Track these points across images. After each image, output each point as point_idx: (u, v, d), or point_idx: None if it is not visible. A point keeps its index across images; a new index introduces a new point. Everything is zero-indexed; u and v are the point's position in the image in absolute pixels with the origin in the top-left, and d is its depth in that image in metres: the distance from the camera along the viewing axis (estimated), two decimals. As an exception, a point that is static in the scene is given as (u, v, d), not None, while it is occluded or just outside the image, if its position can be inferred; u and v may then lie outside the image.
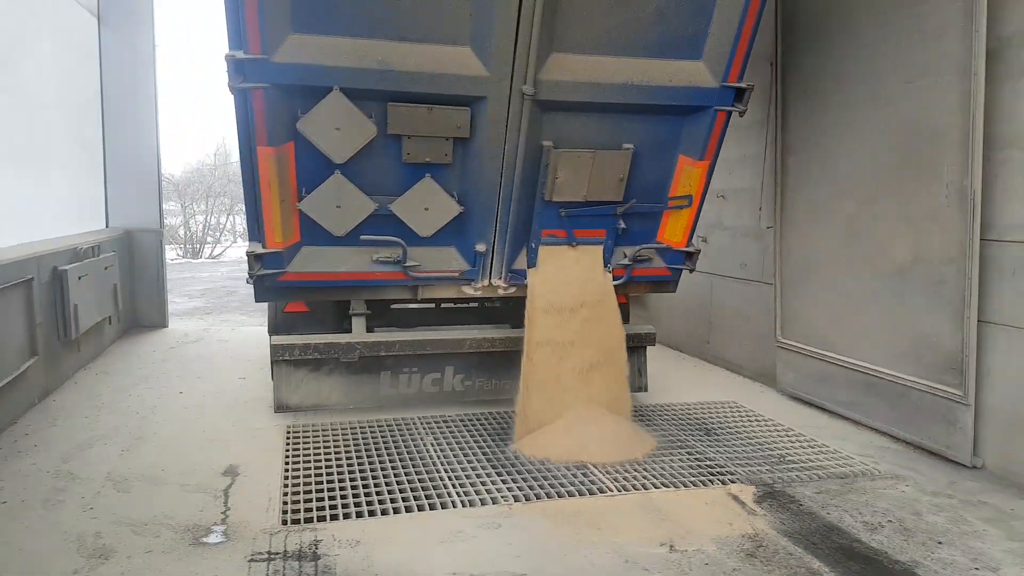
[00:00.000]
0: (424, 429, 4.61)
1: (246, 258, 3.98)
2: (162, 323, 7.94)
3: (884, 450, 4.46)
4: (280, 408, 4.69)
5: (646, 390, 5.39)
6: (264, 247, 3.98)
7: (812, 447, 4.48)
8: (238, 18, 3.33)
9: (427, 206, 4.19)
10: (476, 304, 5.48)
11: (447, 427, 4.67)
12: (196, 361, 6.37)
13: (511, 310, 5.35)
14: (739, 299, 6.36)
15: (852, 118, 4.80)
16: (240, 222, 29.55)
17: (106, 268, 6.32)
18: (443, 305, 5.48)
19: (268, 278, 4.11)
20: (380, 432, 4.53)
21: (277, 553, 2.98)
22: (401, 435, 4.49)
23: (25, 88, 5.57)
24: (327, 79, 3.60)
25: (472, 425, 4.73)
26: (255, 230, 3.95)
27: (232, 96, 3.51)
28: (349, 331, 4.87)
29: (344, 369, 4.79)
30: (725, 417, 5.08)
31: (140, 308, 7.74)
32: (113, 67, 7.46)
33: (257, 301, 4.39)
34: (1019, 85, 3.83)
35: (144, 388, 5.42)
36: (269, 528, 3.19)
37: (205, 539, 3.08)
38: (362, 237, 4.15)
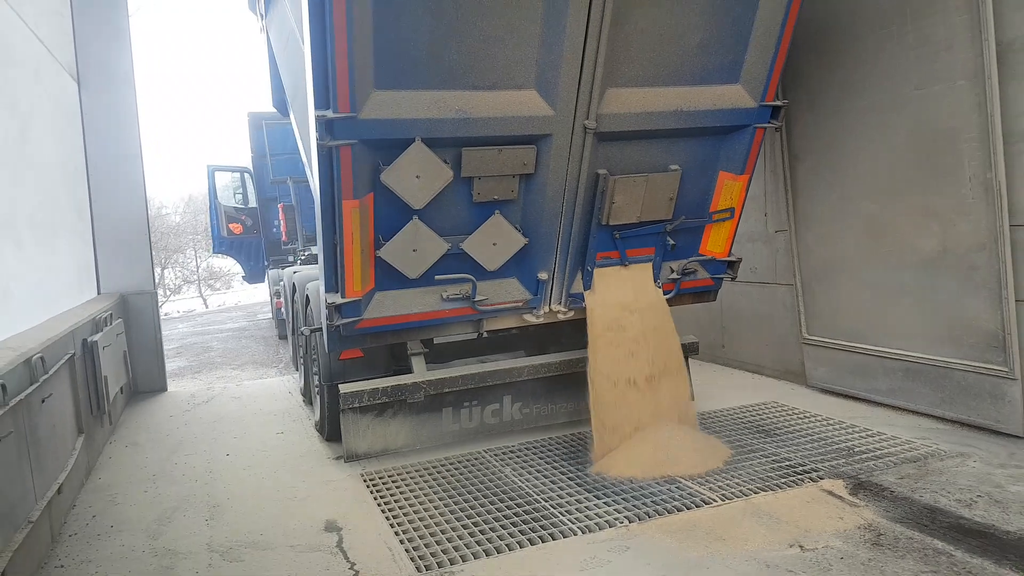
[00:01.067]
0: (497, 461, 4.61)
1: (325, 307, 3.94)
2: (162, 387, 7.63)
3: (937, 431, 4.72)
4: (351, 457, 4.61)
5: (693, 399, 5.53)
6: (343, 297, 3.94)
7: (871, 436, 4.70)
8: (327, 79, 3.35)
9: (495, 241, 4.24)
10: (516, 330, 5.52)
11: (518, 456, 4.68)
12: (221, 422, 6.15)
13: (549, 333, 5.42)
14: (753, 302, 6.62)
15: (864, 123, 5.13)
16: (170, 275, 28.82)
17: (117, 335, 6.06)
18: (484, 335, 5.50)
19: (346, 327, 4.06)
20: (456, 469, 4.50)
21: (433, 602, 2.93)
22: (478, 469, 4.47)
23: (32, 156, 5.34)
24: (410, 131, 3.66)
25: (541, 451, 4.75)
26: (333, 281, 3.91)
27: (316, 154, 3.50)
28: (402, 372, 4.84)
29: (407, 410, 4.75)
30: (775, 417, 5.27)
31: (139, 373, 7.43)
32: (97, 130, 7.22)
33: (330, 351, 4.32)
34: (1027, 83, 4.20)
35: (186, 455, 5.21)
36: (410, 578, 3.14)
37: (351, 599, 3.01)
38: (436, 277, 4.17)
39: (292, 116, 5.70)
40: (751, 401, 5.69)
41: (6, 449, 2.98)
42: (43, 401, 3.62)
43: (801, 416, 5.25)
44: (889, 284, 5.13)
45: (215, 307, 25.89)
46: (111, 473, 4.87)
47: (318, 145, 3.48)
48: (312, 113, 3.51)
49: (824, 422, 5.07)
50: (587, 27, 3.71)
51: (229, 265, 35.92)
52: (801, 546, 3.28)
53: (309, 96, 3.58)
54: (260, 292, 27.96)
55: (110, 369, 5.36)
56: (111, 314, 5.93)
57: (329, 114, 3.43)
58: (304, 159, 4.97)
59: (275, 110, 7.76)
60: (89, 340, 4.98)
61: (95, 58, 7.28)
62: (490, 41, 3.68)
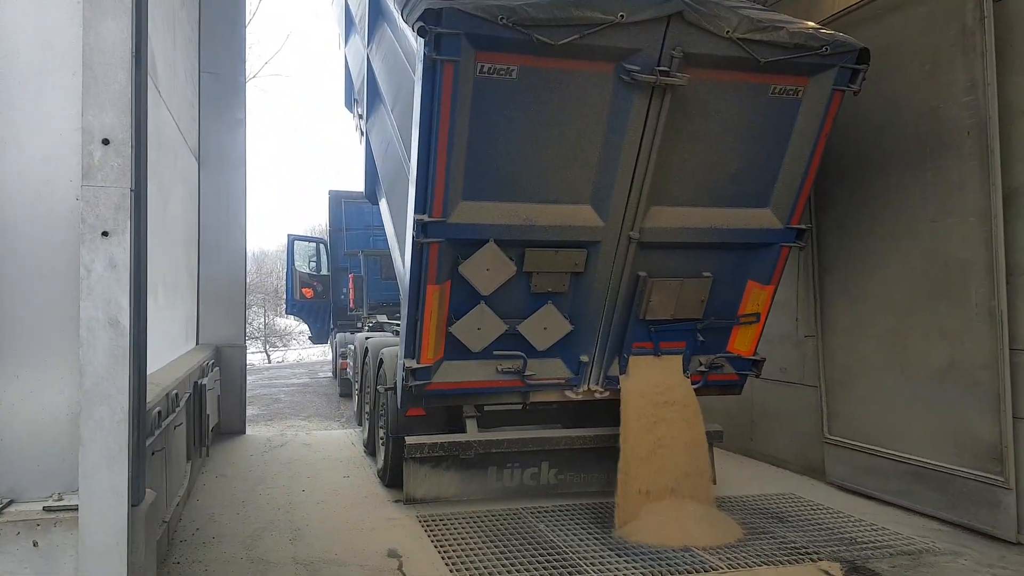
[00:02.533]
0: (533, 517, 5.23)
1: (403, 369, 4.78)
2: (242, 429, 8.54)
3: (937, 532, 5.13)
4: (409, 500, 5.33)
5: (715, 483, 6.05)
6: (418, 363, 4.77)
7: (874, 530, 5.15)
8: (427, 191, 4.29)
9: (546, 326, 5.03)
10: (556, 406, 6.19)
11: (551, 515, 5.28)
12: (294, 463, 6.96)
13: (587, 410, 6.07)
14: (781, 400, 7.15)
15: (885, 246, 5.78)
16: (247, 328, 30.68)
17: (215, 381, 7.02)
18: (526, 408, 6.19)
19: (418, 388, 4.87)
20: (497, 519, 5.14)
21: (474, 620, 3.58)
22: (517, 521, 5.10)
23: (168, 225, 6.47)
24: (485, 233, 4.56)
25: (571, 513, 5.34)
26: (411, 348, 4.75)
27: (410, 247, 4.43)
28: (457, 432, 5.56)
29: (459, 465, 5.45)
30: (790, 506, 5.74)
31: (224, 415, 8.35)
32: (211, 204, 8.44)
33: (401, 407, 5.13)
34: (1025, 224, 4.83)
35: (267, 488, 6.01)
36: (457, 600, 3.80)
37: (408, 610, 3.68)
38: (494, 352, 4.96)
39: (385, 206, 6.71)
40: (770, 491, 6.17)
41: (157, 461, 3.84)
42: (175, 428, 4.50)
43: (814, 508, 5.70)
44: (903, 392, 5.65)
45: (276, 362, 27.24)
46: (206, 497, 5.70)
47: (413, 242, 4.39)
48: (411, 216, 4.44)
49: (835, 514, 5.52)
50: (637, 155, 4.56)
51: (292, 325, 37.69)
52: (791, 611, 3.80)
53: (410, 200, 4.52)
54: (316, 351, 29.28)
55: (211, 409, 6.28)
56: (212, 362, 6.90)
57: (425, 218, 4.36)
58: (393, 245, 5.90)
59: (356, 191, 8.88)
60: (199, 383, 5.92)
61: (214, 142, 8.57)
62: (556, 165, 4.58)
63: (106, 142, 1.72)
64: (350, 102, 8.93)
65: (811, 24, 4.76)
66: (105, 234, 1.73)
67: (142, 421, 1.89)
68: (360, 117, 8.03)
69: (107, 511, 1.75)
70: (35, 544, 1.75)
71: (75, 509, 1.79)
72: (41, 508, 1.83)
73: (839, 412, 6.30)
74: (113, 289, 1.73)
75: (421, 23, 3.88)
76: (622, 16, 4.06)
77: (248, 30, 9.02)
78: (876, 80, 5.44)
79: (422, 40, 3.92)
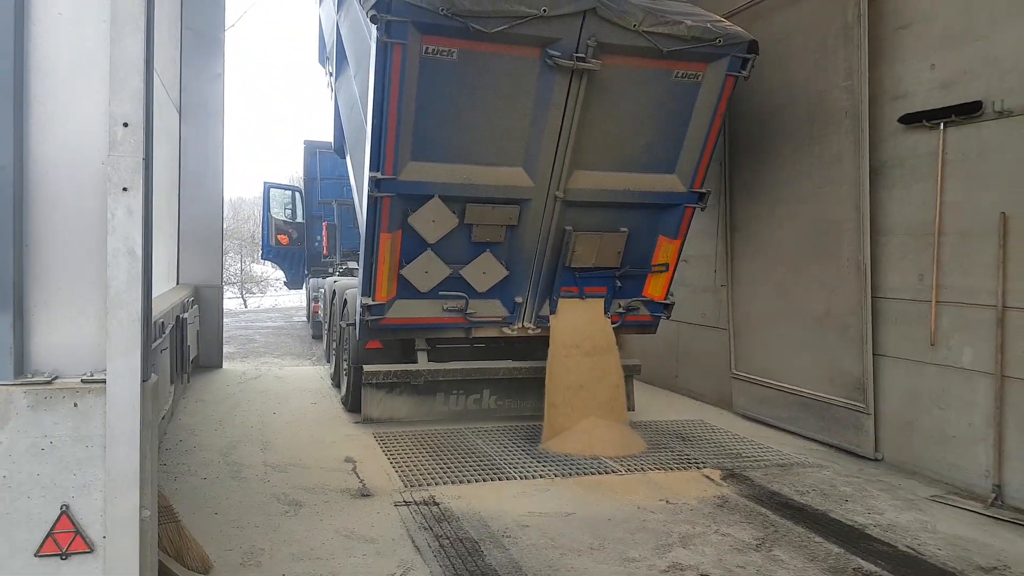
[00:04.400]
0: (472, 435, 6.14)
1: (360, 306, 5.59)
2: (219, 364, 9.34)
3: (813, 451, 6.12)
4: (366, 420, 6.19)
5: (633, 410, 7.00)
6: (373, 300, 5.58)
7: (759, 447, 6.13)
8: (380, 151, 5.02)
9: (484, 271, 5.85)
10: (503, 342, 7.05)
11: (489, 434, 6.19)
12: (268, 393, 7.80)
13: (525, 345, 6.93)
14: (701, 342, 8.09)
15: (780, 209, 6.65)
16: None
17: (195, 317, 7.76)
18: (475, 345, 7.05)
19: (373, 322, 5.68)
20: (442, 437, 6.04)
21: (409, 502, 4.49)
22: (458, 438, 6.01)
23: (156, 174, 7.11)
24: (430, 190, 5.33)
25: (506, 432, 6.26)
26: (367, 287, 5.55)
27: (366, 200, 5.17)
28: (414, 362, 6.41)
29: (411, 391, 6.32)
30: (694, 429, 6.71)
31: (203, 350, 9.13)
32: (190, 152, 9.04)
33: (360, 340, 5.95)
34: (892, 193, 5.69)
35: (242, 412, 6.85)
36: (397, 489, 4.71)
37: (359, 496, 4.57)
38: (440, 293, 5.78)
39: (349, 161, 7.41)
40: (682, 417, 7.14)
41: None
42: (161, 351, 5.28)
43: (714, 431, 6.68)
44: (792, 335, 6.59)
45: (252, 307, 27.87)
46: (188, 417, 6.52)
47: (368, 196, 5.13)
48: (367, 172, 5.17)
49: (731, 436, 6.50)
50: (560, 127, 5.33)
51: (268, 271, 38.16)
52: (667, 501, 4.76)
53: (366, 158, 5.24)
54: (292, 298, 29.90)
55: (191, 341, 7.04)
56: (192, 299, 7.64)
57: (378, 175, 5.10)
58: (355, 196, 6.63)
59: (329, 142, 9.52)
60: (180, 316, 6.67)
61: (195, 95, 9.13)
62: (492, 133, 5.33)
63: (125, 124, 2.47)
64: (323, 59, 9.50)
65: (713, 16, 5.49)
66: (124, 189, 2.48)
67: (149, 323, 2.68)
68: (330, 75, 8.64)
69: (126, 383, 2.54)
70: (75, 405, 2.55)
71: (103, 382, 2.58)
72: (79, 380, 2.62)
73: (743, 352, 7.26)
74: (130, 228, 2.49)
75: (374, 12, 4.57)
76: (544, 10, 4.79)
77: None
78: (775, 64, 6.25)
79: (374, 26, 4.61)
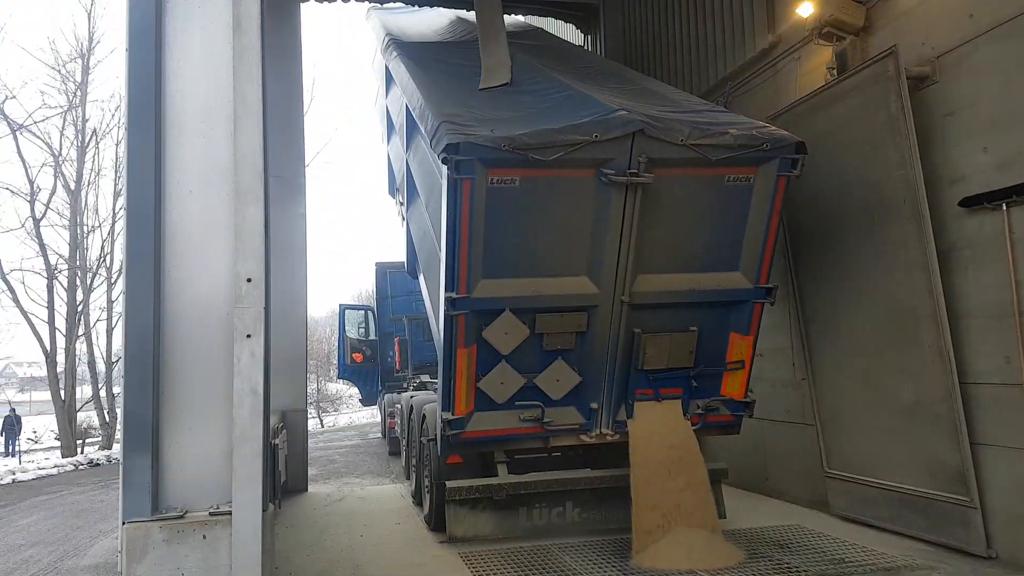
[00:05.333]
0: (559, 551, 6.05)
1: (440, 421, 5.78)
2: (304, 487, 9.56)
3: (920, 551, 5.76)
4: (451, 539, 6.22)
5: (724, 517, 6.77)
6: (453, 414, 5.77)
7: (864, 551, 5.80)
8: (454, 272, 5.36)
9: (558, 378, 5.99)
10: (582, 451, 7.05)
11: (575, 549, 6.08)
12: (353, 515, 7.93)
13: (608, 453, 6.90)
14: (788, 440, 7.86)
15: (853, 298, 6.61)
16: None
17: (284, 443, 8.09)
18: (553, 454, 7.07)
19: (453, 436, 5.85)
20: (527, 553, 5.97)
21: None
22: (544, 555, 5.93)
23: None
24: (502, 304, 5.61)
25: (593, 547, 6.11)
26: (447, 403, 5.76)
27: (443, 320, 5.48)
28: (495, 475, 6.46)
29: (493, 506, 6.33)
30: (791, 535, 6.41)
31: (290, 474, 9.39)
32: (276, 286, 9.65)
33: (441, 454, 6.09)
34: (965, 276, 5.64)
35: (330, 535, 6.98)
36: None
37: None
38: (516, 403, 5.93)
39: (422, 281, 7.85)
40: (776, 523, 6.85)
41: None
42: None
43: (814, 536, 6.37)
44: (882, 426, 6.38)
45: (328, 426, 28.42)
46: (280, 543, 6.63)
47: (444, 316, 5.44)
48: (443, 292, 5.50)
49: (832, 540, 6.18)
50: (620, 236, 5.58)
51: (342, 389, 39.10)
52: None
53: (441, 280, 5.59)
54: (365, 414, 30.36)
55: (281, 467, 7.32)
56: (281, 425, 8.00)
57: (454, 295, 5.43)
58: (430, 314, 6.96)
59: (399, 260, 10.09)
60: (273, 443, 6.98)
61: (279, 235, 9.85)
62: (557, 246, 5.63)
63: (249, 280, 2.83)
64: (393, 191, 10.25)
65: (757, 122, 5.78)
66: (248, 336, 2.81)
67: (267, 455, 2.93)
68: (401, 204, 9.30)
69: (250, 514, 2.77)
70: (204, 537, 2.78)
71: (229, 514, 2.82)
72: (207, 513, 2.86)
73: (834, 447, 7.02)
74: (253, 371, 2.80)
75: (444, 154, 5.04)
76: (596, 136, 5.18)
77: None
78: (826, 157, 6.44)
79: (444, 165, 5.07)
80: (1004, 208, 5.24)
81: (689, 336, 6.10)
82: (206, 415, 2.88)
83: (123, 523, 2.70)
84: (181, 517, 2.75)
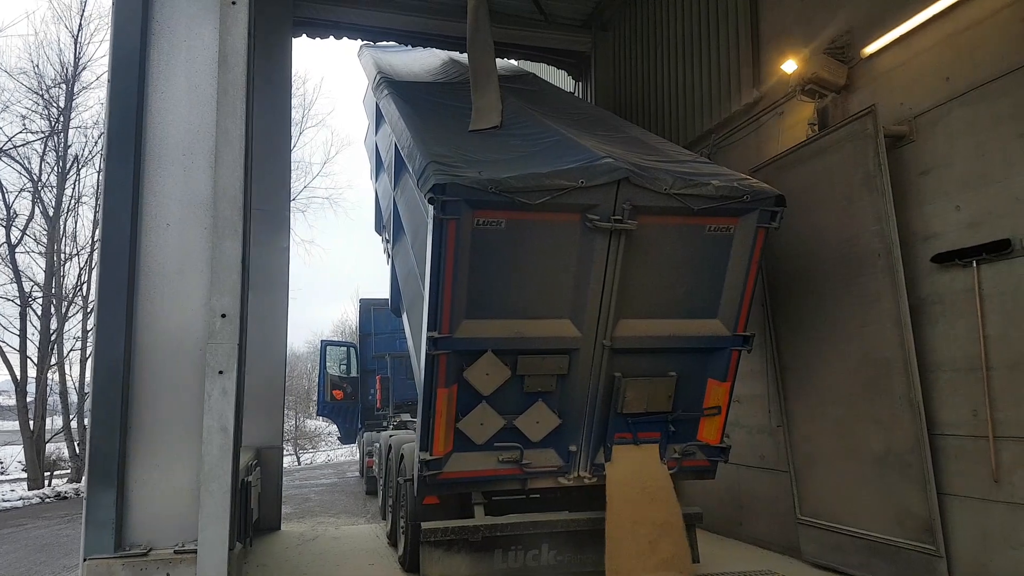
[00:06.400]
0: (534, 595, 5.99)
1: (418, 461, 5.72)
2: (277, 526, 9.39)
3: (891, 600, 5.78)
4: (426, 581, 6.12)
5: (698, 562, 6.74)
6: (431, 455, 5.73)
7: (834, 599, 5.82)
8: (437, 312, 5.39)
9: (538, 420, 5.98)
10: (559, 493, 7.00)
11: (551, 593, 6.03)
12: (327, 555, 7.79)
13: (585, 495, 6.86)
14: (763, 486, 7.88)
15: (828, 348, 6.72)
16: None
17: (257, 480, 7.98)
18: (531, 496, 7.01)
19: (431, 477, 5.80)
20: (502, 598, 5.91)
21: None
22: (519, 599, 5.86)
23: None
24: (484, 345, 5.63)
25: (569, 591, 6.09)
26: (426, 443, 5.72)
27: (424, 359, 5.49)
28: (471, 517, 6.39)
29: (469, 548, 6.25)
30: (765, 582, 6.42)
31: (262, 512, 9.23)
32: (257, 319, 9.60)
33: (418, 495, 6.03)
34: (935, 330, 5.76)
35: (303, 575, 6.84)
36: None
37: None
38: (495, 444, 5.91)
39: (405, 319, 7.85)
40: (749, 568, 6.84)
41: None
42: (229, 514, 5.47)
43: (786, 583, 6.38)
44: (854, 475, 6.43)
45: (306, 463, 27.95)
46: (249, 581, 6.55)
47: (426, 355, 5.45)
48: (425, 332, 5.52)
49: (803, 588, 6.19)
50: (603, 281, 5.65)
51: (321, 426, 38.54)
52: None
53: (424, 319, 5.61)
54: (344, 452, 29.89)
55: (254, 504, 7.21)
56: (255, 462, 7.89)
57: (436, 334, 5.44)
58: (412, 353, 6.95)
59: (384, 298, 10.08)
60: (245, 480, 6.89)
61: (262, 267, 9.86)
62: (540, 288, 5.68)
63: (223, 316, 2.86)
64: (379, 227, 10.31)
65: (739, 175, 5.93)
66: (220, 372, 2.83)
67: (237, 493, 2.92)
68: (387, 242, 9.36)
69: (215, 552, 2.74)
70: (167, 575, 2.75)
71: (194, 552, 2.80)
72: (172, 551, 2.84)
73: (806, 494, 7.05)
74: (224, 407, 2.81)
75: (431, 194, 5.12)
76: (582, 182, 5.28)
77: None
78: (805, 210, 6.59)
79: (431, 205, 5.14)
80: (974, 265, 5.39)
81: (668, 381, 6.15)
82: (175, 451, 2.87)
83: (84, 559, 2.67)
84: (145, 555, 2.72)
